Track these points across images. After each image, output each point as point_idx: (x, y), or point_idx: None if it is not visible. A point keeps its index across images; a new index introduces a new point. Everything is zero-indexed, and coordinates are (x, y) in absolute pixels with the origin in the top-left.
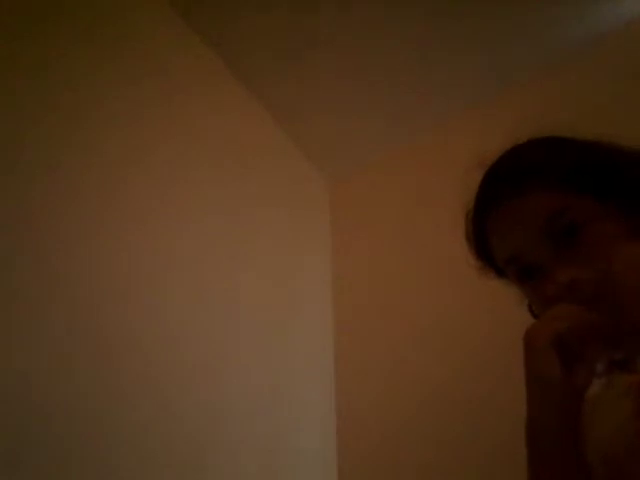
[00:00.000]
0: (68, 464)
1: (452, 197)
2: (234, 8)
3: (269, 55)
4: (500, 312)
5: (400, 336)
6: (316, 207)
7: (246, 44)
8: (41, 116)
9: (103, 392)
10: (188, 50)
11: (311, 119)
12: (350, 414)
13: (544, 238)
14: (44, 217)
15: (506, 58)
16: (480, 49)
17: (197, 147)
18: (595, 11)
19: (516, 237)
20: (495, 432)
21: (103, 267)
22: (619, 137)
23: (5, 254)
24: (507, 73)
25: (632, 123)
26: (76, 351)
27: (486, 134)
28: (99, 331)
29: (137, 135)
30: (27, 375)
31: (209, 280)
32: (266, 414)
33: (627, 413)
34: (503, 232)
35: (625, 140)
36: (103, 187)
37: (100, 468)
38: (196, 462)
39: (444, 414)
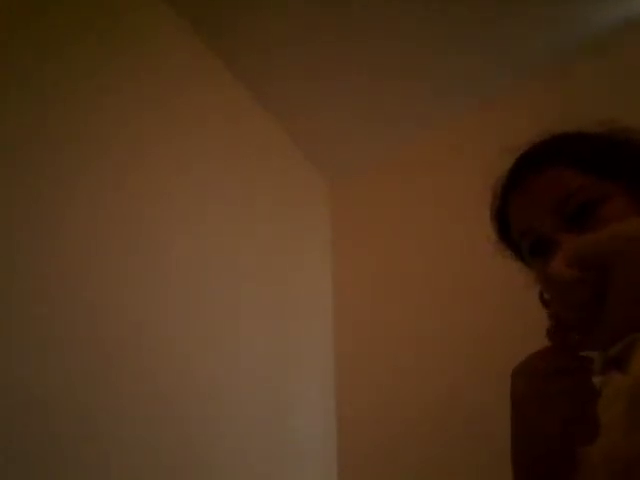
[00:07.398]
0: (67, 464)
1: (453, 197)
2: (234, 8)
3: (269, 55)
4: (502, 314)
5: (401, 337)
6: (316, 207)
7: (246, 44)
8: (39, 115)
9: (101, 388)
10: (188, 50)
11: (311, 119)
12: (350, 415)
13: (555, 214)
14: (43, 217)
15: (506, 60)
16: (481, 51)
17: (197, 147)
18: (595, 11)
19: (531, 210)
20: (495, 436)
21: (102, 266)
22: None
23: (5, 254)
24: (508, 75)
25: (633, 123)
26: (76, 352)
27: (486, 136)
28: (98, 329)
29: (136, 135)
30: (27, 376)
31: (209, 281)
32: (266, 415)
33: (616, 417)
34: (521, 206)
35: None
36: (102, 186)
37: (100, 468)
38: (196, 462)
39: (445, 416)
